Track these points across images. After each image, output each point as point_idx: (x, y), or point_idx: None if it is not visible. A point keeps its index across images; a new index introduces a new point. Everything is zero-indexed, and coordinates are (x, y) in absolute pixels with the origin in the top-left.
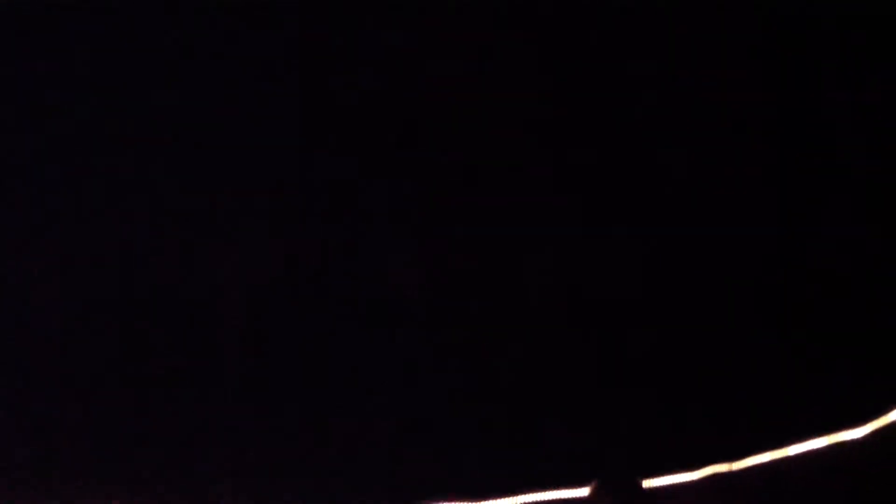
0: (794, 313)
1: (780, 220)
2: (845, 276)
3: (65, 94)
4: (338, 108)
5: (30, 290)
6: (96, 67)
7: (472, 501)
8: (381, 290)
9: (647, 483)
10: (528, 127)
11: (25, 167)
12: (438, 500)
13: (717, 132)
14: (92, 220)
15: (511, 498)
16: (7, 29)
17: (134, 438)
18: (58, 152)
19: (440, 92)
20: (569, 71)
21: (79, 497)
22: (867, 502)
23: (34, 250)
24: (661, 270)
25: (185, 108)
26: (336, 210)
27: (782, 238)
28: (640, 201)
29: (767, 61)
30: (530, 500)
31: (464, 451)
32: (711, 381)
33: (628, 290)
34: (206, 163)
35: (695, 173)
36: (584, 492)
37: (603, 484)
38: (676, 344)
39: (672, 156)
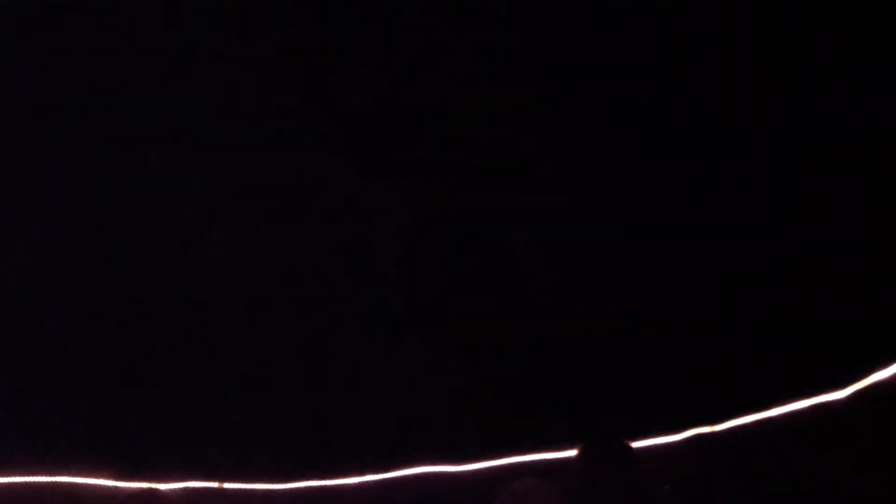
0: (777, 278)
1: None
2: (829, 243)
3: (65, 94)
4: (338, 108)
5: (29, 289)
6: (96, 67)
7: (456, 464)
8: (382, 290)
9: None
10: (528, 127)
11: (25, 167)
12: (420, 465)
13: (716, 132)
14: (92, 220)
15: (496, 460)
16: (7, 29)
17: (133, 438)
18: (58, 152)
19: (440, 92)
20: (569, 71)
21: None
22: (849, 463)
23: (34, 250)
24: (649, 253)
25: (185, 108)
26: (336, 210)
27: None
28: (639, 200)
29: (767, 61)
30: (517, 462)
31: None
32: (694, 345)
33: (619, 275)
34: (206, 163)
35: (694, 173)
36: (570, 454)
37: (591, 446)
38: (660, 309)
39: (672, 156)
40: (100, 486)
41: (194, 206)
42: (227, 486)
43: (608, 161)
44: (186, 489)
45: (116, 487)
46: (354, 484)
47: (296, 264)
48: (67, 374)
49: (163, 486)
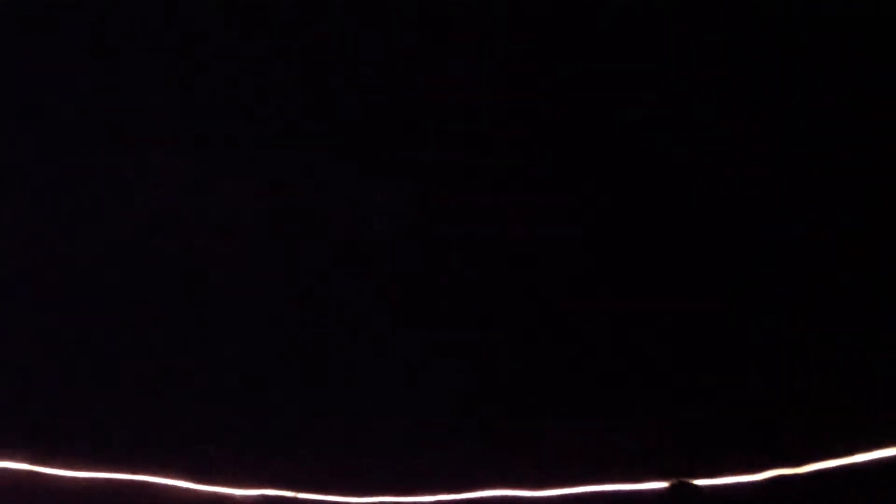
0: (869, 319)
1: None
2: None
3: (65, 94)
4: (338, 108)
5: (29, 289)
6: (96, 67)
7: (531, 490)
8: (381, 290)
9: (708, 482)
10: (528, 127)
11: (25, 166)
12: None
13: (716, 132)
14: (91, 219)
15: (570, 488)
16: (7, 29)
17: (133, 438)
18: (56, 151)
19: (440, 92)
20: (568, 71)
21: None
22: None
23: (34, 250)
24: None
25: (184, 109)
26: (335, 210)
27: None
28: (642, 201)
29: (766, 61)
30: (591, 492)
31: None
32: (782, 384)
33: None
34: (207, 163)
35: (694, 173)
36: (644, 486)
37: (669, 483)
38: (747, 343)
39: (671, 156)
40: (177, 487)
41: (194, 206)
42: (301, 496)
43: (608, 161)
44: (261, 496)
45: (191, 489)
46: (429, 503)
47: (294, 263)
48: (68, 372)
49: (238, 492)
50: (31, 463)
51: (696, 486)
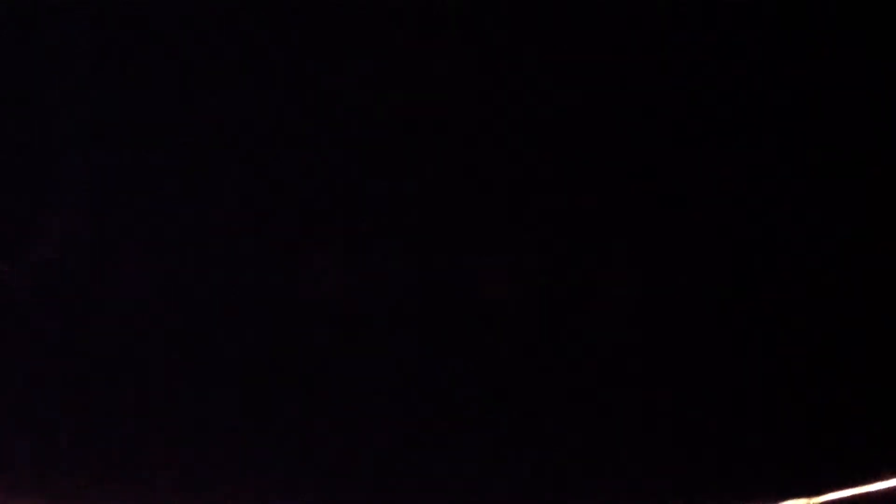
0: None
1: None
2: None
3: (65, 93)
4: (338, 109)
5: (27, 288)
6: (96, 67)
7: None
8: (380, 292)
9: None
10: (527, 127)
11: (24, 167)
12: None
13: (716, 132)
14: (90, 219)
15: None
16: (7, 29)
17: (132, 440)
18: (57, 152)
19: (439, 92)
20: (568, 71)
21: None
22: None
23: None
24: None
25: (184, 109)
26: (335, 211)
27: None
28: (644, 203)
29: (762, 59)
30: None
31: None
32: (792, 407)
33: None
34: (205, 163)
35: (694, 174)
36: None
37: None
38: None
39: (672, 156)
40: None
41: (192, 206)
42: None
43: (607, 162)
44: None
45: None
46: None
47: (293, 264)
48: (67, 374)
49: None
50: None
51: None
